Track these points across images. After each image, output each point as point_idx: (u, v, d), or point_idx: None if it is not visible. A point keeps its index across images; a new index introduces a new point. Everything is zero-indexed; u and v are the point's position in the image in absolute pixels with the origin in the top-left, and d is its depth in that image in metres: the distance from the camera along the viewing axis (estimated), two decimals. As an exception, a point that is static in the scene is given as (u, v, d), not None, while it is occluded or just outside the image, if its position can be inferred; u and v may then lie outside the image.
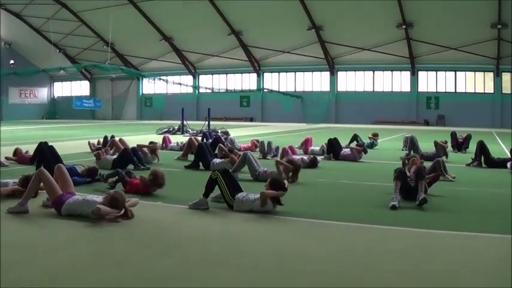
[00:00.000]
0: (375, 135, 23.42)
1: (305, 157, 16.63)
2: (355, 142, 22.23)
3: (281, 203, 9.35)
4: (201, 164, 15.72)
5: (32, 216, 8.85)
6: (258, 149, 19.69)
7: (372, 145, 22.42)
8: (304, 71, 58.20)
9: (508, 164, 15.75)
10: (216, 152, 17.16)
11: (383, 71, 54.89)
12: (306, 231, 8.22)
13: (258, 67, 59.50)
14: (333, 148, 18.76)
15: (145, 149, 16.90)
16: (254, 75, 60.36)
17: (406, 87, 54.15)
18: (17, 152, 17.09)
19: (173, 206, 9.97)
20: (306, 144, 20.45)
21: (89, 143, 20.26)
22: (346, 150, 18.88)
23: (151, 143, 17.84)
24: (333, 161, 18.17)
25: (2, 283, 5.58)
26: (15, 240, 7.37)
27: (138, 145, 16.98)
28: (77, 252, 6.85)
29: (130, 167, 15.22)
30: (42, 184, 9.22)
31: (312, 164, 16.04)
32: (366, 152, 18.45)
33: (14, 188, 10.54)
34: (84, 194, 9.37)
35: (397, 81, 54.78)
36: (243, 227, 8.47)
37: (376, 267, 6.30)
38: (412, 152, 18.39)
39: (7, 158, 16.41)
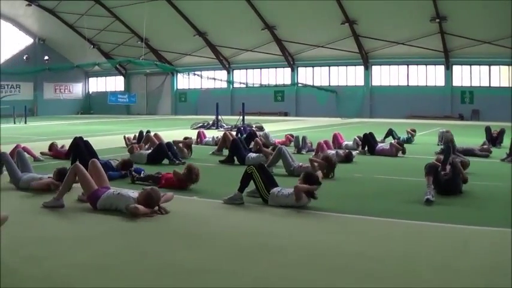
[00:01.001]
0: (413, 131, 23.14)
1: (340, 151, 16.52)
2: (390, 137, 22.08)
3: (315, 197, 9.29)
4: (235, 158, 15.73)
5: (68, 210, 8.92)
6: (292, 144, 19.60)
7: (408, 140, 22.12)
8: (338, 65, 57.70)
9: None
10: (251, 146, 17.13)
11: (417, 65, 54.13)
12: (341, 227, 8.16)
13: (292, 61, 59.23)
14: (368, 143, 18.60)
15: (180, 145, 16.96)
16: (288, 70, 60.07)
17: (441, 82, 53.39)
18: (52, 147, 17.23)
19: (208, 200, 9.99)
20: (336, 140, 20.12)
21: (124, 137, 20.34)
22: (383, 145, 18.73)
23: (185, 138, 17.86)
24: (368, 155, 18.05)
25: (35, 275, 5.62)
26: (51, 233, 7.43)
27: (174, 141, 17.02)
28: (111, 245, 6.92)
29: (165, 161, 15.32)
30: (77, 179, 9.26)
31: (347, 158, 15.90)
32: (404, 152, 18.08)
33: (48, 181, 10.61)
34: (119, 189, 9.38)
35: (432, 76, 53.94)
36: (277, 222, 8.43)
37: (411, 263, 6.22)
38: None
39: (42, 154, 16.57)
